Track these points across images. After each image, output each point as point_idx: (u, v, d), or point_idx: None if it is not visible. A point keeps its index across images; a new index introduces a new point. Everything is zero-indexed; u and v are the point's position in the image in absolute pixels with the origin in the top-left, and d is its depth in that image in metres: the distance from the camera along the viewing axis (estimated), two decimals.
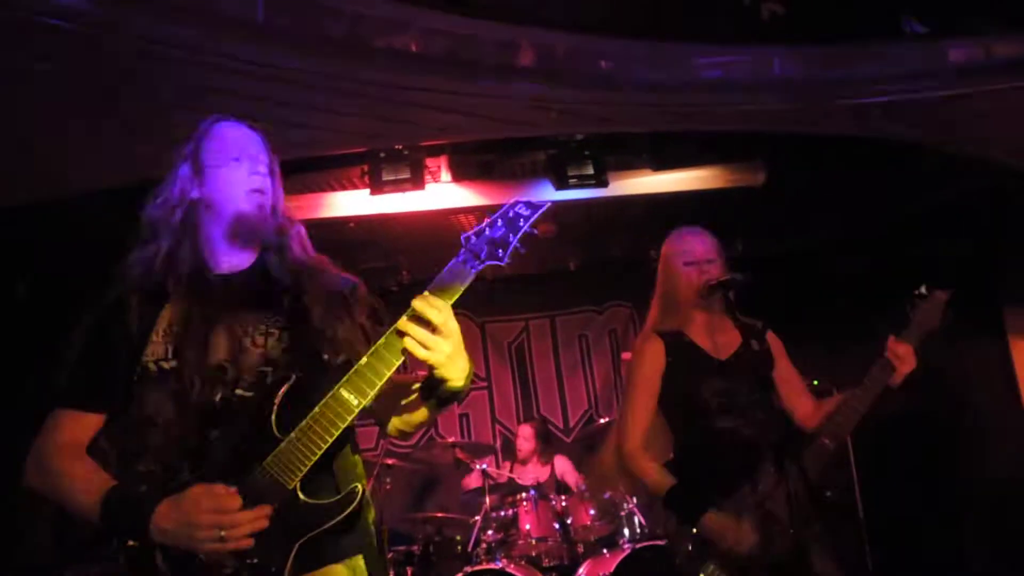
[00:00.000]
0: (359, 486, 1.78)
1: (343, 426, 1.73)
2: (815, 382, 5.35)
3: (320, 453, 1.72)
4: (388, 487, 5.60)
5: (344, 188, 5.44)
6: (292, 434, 1.72)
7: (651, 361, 2.89)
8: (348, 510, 1.74)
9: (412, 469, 6.36)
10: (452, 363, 1.70)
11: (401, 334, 1.66)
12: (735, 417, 2.77)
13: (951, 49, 4.23)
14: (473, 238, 1.83)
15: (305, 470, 1.72)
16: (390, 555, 5.41)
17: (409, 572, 5.55)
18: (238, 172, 1.92)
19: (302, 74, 3.64)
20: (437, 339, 1.66)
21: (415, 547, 5.65)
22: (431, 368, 1.71)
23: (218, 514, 1.65)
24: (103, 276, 1.95)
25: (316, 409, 1.72)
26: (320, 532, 1.73)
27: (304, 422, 1.73)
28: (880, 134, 4.92)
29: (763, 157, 5.54)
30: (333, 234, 5.98)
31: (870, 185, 5.83)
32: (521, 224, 1.85)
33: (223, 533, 1.64)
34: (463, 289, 1.77)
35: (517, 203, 1.88)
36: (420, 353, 1.66)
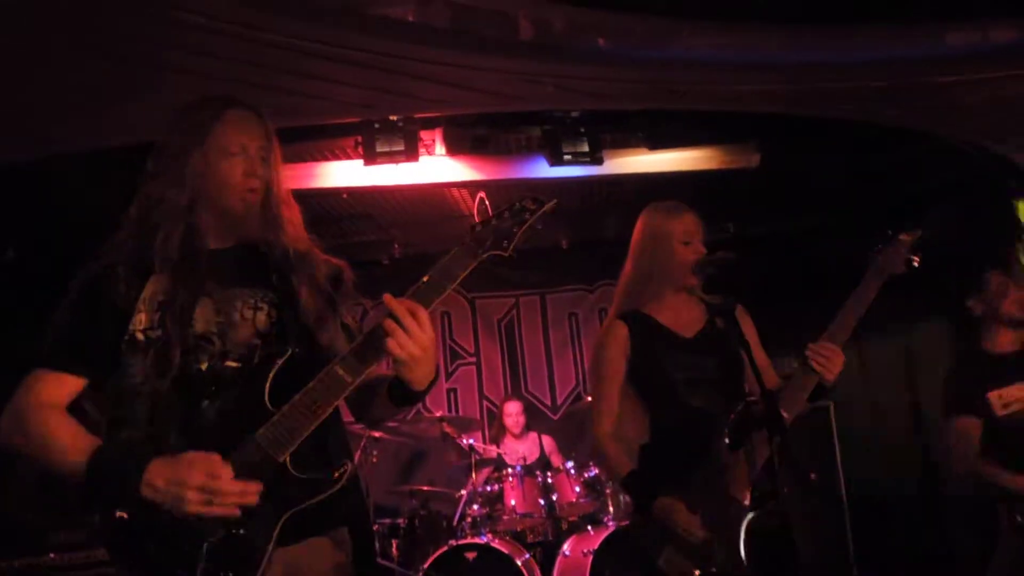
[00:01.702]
0: (348, 462, 1.80)
1: (335, 402, 1.76)
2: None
3: (311, 428, 1.74)
4: (375, 460, 5.62)
5: (337, 158, 5.40)
6: (284, 408, 1.73)
7: (615, 346, 2.85)
8: (337, 486, 1.75)
9: (399, 442, 6.38)
10: (417, 366, 1.73)
11: (382, 330, 1.71)
12: (704, 395, 2.75)
13: (949, 33, 4.22)
14: (479, 227, 1.86)
15: (296, 444, 1.73)
16: (376, 528, 5.43)
17: (394, 545, 5.58)
18: (234, 169, 1.88)
19: (298, 41, 3.60)
20: (408, 340, 1.70)
21: (400, 520, 5.67)
22: (396, 366, 1.74)
23: (209, 479, 1.65)
24: (91, 239, 1.94)
25: (310, 384, 1.74)
26: (307, 506, 1.74)
27: (297, 396, 1.74)
28: (876, 118, 4.92)
29: (758, 139, 5.53)
30: (326, 204, 5.97)
31: (864, 170, 5.84)
32: (527, 217, 1.88)
33: (211, 498, 1.65)
34: (463, 275, 1.81)
35: (524, 197, 1.92)
36: (391, 346, 1.70)
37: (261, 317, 1.90)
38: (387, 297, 1.72)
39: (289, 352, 1.82)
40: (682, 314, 2.88)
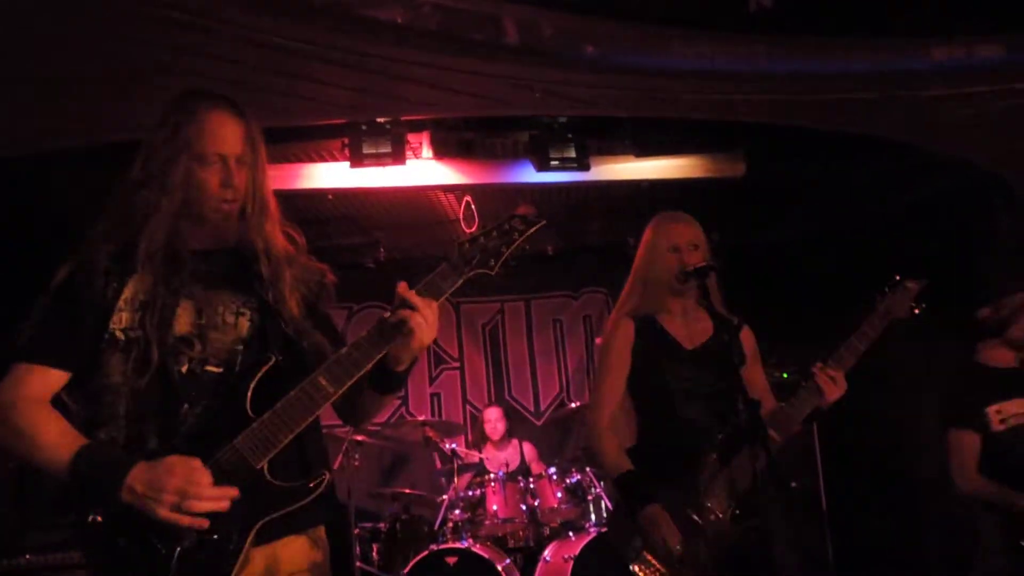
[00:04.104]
0: (326, 472, 1.80)
1: (316, 412, 1.76)
2: (784, 375, 5.39)
3: (291, 437, 1.74)
4: (356, 463, 5.59)
5: (324, 160, 5.39)
6: (265, 415, 1.73)
7: (622, 341, 2.89)
8: (313, 495, 1.76)
9: (381, 446, 6.35)
10: (415, 351, 1.82)
11: (396, 321, 1.76)
12: (697, 406, 2.77)
13: (936, 48, 4.26)
14: (467, 244, 1.87)
15: (274, 451, 1.73)
16: (356, 531, 5.40)
17: (375, 548, 5.56)
18: (210, 178, 1.85)
19: (286, 41, 3.60)
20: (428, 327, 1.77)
21: (382, 524, 5.65)
22: (399, 347, 1.79)
23: (186, 484, 1.65)
24: (74, 234, 1.92)
25: (292, 393, 1.74)
26: (282, 514, 1.75)
27: (279, 404, 1.74)
28: (862, 131, 4.95)
29: (745, 148, 5.55)
30: (312, 206, 5.94)
31: (849, 181, 5.87)
32: (515, 237, 1.89)
33: (184, 503, 1.65)
34: (449, 292, 1.84)
35: (513, 216, 1.92)
36: (417, 327, 1.76)
37: (243, 323, 1.89)
38: (402, 285, 1.78)
39: (272, 360, 1.82)
40: (689, 325, 2.90)
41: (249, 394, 1.77)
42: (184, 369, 1.81)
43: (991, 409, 3.40)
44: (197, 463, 1.68)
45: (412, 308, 1.76)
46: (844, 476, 5.86)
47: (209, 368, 1.83)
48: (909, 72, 4.37)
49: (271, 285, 1.91)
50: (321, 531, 1.93)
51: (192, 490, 1.65)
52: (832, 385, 2.64)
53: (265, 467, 1.73)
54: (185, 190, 1.86)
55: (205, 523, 1.67)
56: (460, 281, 1.85)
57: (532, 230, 1.91)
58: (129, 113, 3.85)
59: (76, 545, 1.71)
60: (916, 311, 2.75)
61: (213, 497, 1.67)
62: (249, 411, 1.75)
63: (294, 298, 1.92)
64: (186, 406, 1.79)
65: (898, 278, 2.78)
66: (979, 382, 3.49)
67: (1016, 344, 3.49)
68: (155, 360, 1.77)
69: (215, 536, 1.69)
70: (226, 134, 1.87)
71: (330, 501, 1.92)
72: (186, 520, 1.65)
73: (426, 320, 1.76)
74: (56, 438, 1.73)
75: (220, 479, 1.69)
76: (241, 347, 1.86)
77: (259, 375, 1.79)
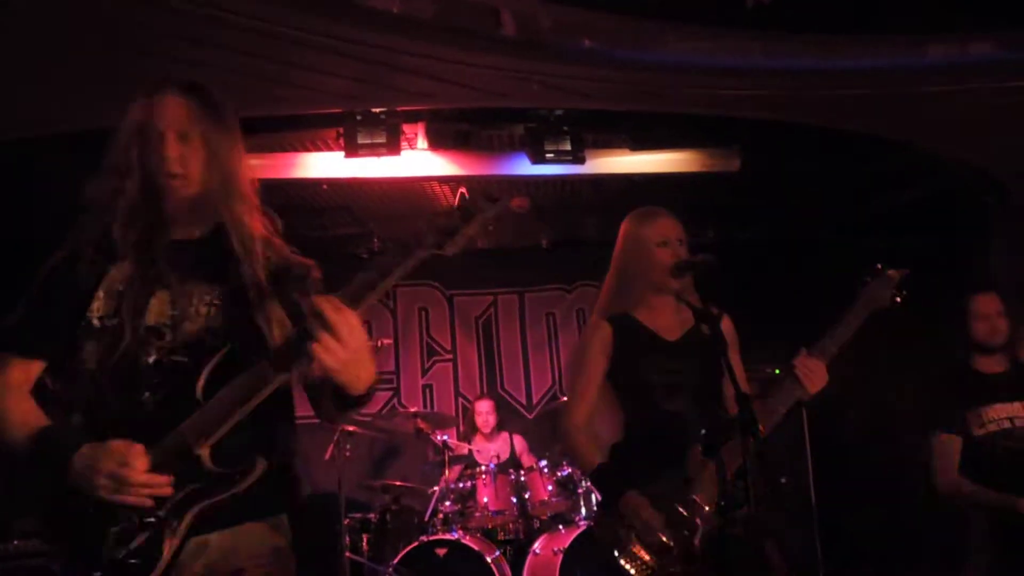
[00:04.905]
0: (262, 461, 1.76)
1: (260, 398, 1.71)
2: (776, 371, 5.40)
3: (234, 421, 1.72)
4: (348, 454, 5.59)
5: (319, 149, 5.37)
6: (211, 400, 1.72)
7: (598, 344, 2.87)
8: (246, 482, 1.73)
9: (372, 437, 6.36)
10: (346, 371, 1.65)
11: (307, 332, 1.63)
12: (681, 399, 2.76)
13: (930, 45, 4.27)
14: (423, 224, 1.78)
15: (214, 437, 1.71)
16: (347, 522, 5.41)
17: (365, 539, 5.56)
18: (153, 152, 1.84)
19: (282, 29, 3.58)
20: (336, 345, 1.61)
21: (372, 515, 5.65)
22: (326, 371, 1.66)
23: (119, 467, 1.67)
24: (60, 223, 1.93)
25: (238, 378, 1.71)
26: (220, 500, 1.73)
27: (224, 390, 1.72)
28: (857, 127, 4.96)
29: (740, 144, 5.56)
30: (306, 196, 5.93)
31: (843, 178, 5.88)
32: (476, 216, 1.78)
33: (120, 486, 1.67)
34: (398, 274, 1.73)
35: (478, 196, 1.84)
36: (316, 351, 1.61)
37: (214, 313, 1.87)
38: (315, 298, 1.65)
39: (227, 347, 1.79)
40: (668, 318, 2.88)
41: (201, 381, 1.75)
42: (151, 359, 1.81)
43: (972, 413, 3.40)
44: (138, 448, 1.69)
45: (322, 326, 1.61)
46: (834, 472, 5.88)
47: (175, 358, 1.82)
48: (904, 69, 4.38)
49: (240, 273, 1.88)
50: (283, 518, 1.92)
51: (122, 473, 1.66)
52: (812, 376, 2.61)
53: (206, 452, 1.71)
54: (140, 168, 1.85)
55: (148, 502, 1.69)
56: (410, 262, 1.74)
57: (493, 211, 1.79)
58: (124, 99, 3.83)
59: (35, 523, 1.75)
60: (898, 300, 2.70)
61: (143, 483, 1.68)
62: (200, 397, 1.74)
63: (262, 287, 1.88)
64: (147, 394, 1.79)
65: (879, 267, 2.75)
66: (964, 385, 3.49)
67: (981, 346, 3.51)
68: (124, 348, 1.78)
69: (151, 519, 1.70)
70: (166, 111, 1.86)
71: (292, 489, 1.94)
72: (131, 499, 1.67)
73: (334, 330, 1.60)
74: (21, 420, 1.79)
75: (162, 463, 1.70)
76: (207, 336, 1.85)
77: (213, 362, 1.77)
